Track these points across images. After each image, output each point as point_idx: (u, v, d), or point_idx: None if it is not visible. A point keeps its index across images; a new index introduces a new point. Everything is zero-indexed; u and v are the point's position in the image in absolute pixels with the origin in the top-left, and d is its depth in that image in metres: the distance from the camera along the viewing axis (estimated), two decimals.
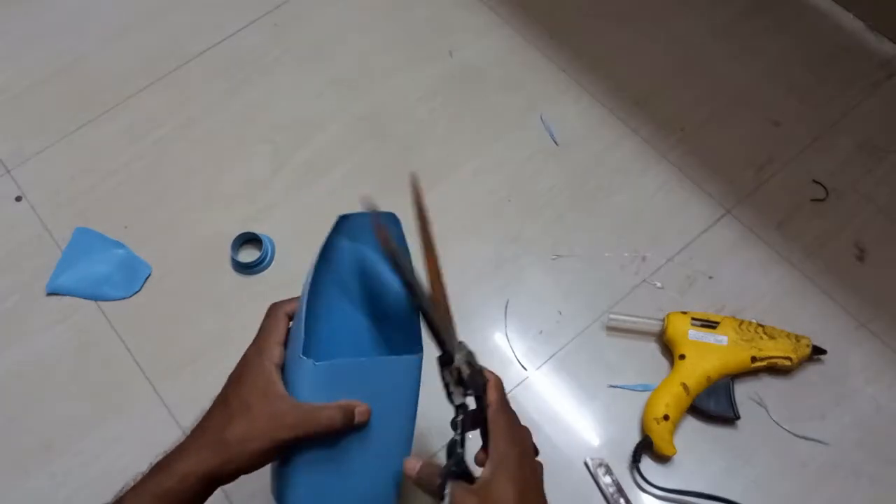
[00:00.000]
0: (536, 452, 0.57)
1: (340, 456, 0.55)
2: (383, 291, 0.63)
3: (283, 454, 0.56)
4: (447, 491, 0.51)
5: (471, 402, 0.56)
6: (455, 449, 0.54)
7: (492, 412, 0.54)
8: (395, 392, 0.57)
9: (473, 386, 0.55)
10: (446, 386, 0.56)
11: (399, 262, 0.58)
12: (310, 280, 0.58)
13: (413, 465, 0.53)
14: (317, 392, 0.54)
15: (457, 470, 0.53)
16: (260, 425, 0.52)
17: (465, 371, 0.55)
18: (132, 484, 0.53)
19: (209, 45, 1.08)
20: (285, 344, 0.58)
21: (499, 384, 0.56)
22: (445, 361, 0.56)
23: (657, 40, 1.06)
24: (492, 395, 0.55)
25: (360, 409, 0.54)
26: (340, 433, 0.54)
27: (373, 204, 0.60)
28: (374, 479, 0.57)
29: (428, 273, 0.61)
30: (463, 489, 0.51)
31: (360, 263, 0.64)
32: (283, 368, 0.56)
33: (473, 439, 0.55)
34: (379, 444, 0.56)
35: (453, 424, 0.55)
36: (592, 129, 1.00)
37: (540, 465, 0.56)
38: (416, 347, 0.59)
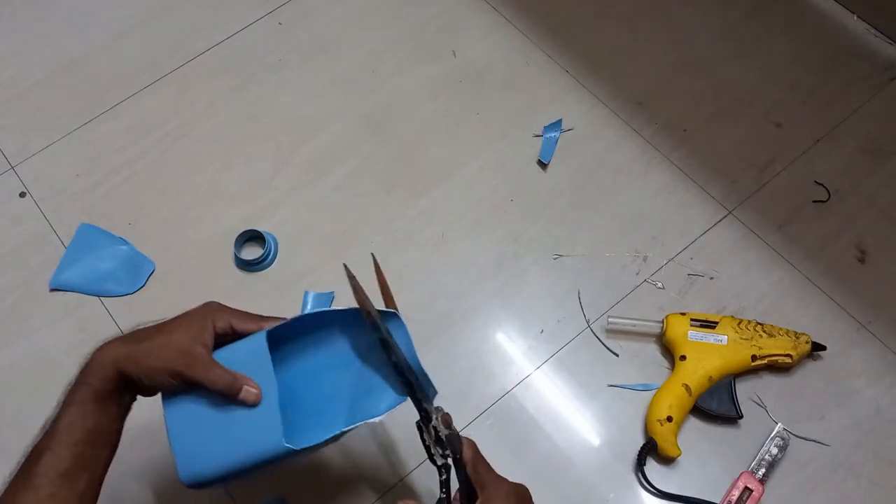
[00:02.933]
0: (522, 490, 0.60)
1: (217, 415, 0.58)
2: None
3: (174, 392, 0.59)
4: None
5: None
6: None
7: (471, 467, 0.58)
8: None
9: (451, 446, 0.58)
10: (427, 448, 0.59)
11: (378, 322, 0.60)
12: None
13: None
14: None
15: None
16: (168, 352, 0.57)
17: (443, 431, 0.58)
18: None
19: (213, 43, 1.08)
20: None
21: (472, 444, 0.60)
22: (425, 421, 0.59)
23: (660, 41, 1.06)
24: (468, 453, 0.59)
25: (250, 390, 0.58)
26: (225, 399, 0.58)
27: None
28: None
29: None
30: None
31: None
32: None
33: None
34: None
35: (442, 484, 0.58)
36: (595, 129, 1.00)
37: (526, 490, 0.60)
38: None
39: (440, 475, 0.58)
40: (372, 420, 0.61)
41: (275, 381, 0.58)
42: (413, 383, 0.59)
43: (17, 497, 0.53)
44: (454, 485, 0.59)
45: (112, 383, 0.57)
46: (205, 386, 0.57)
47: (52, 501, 0.53)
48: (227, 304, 0.89)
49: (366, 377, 0.65)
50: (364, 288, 0.62)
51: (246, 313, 0.63)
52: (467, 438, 0.60)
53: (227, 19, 1.10)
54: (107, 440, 0.57)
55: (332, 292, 0.89)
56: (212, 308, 0.62)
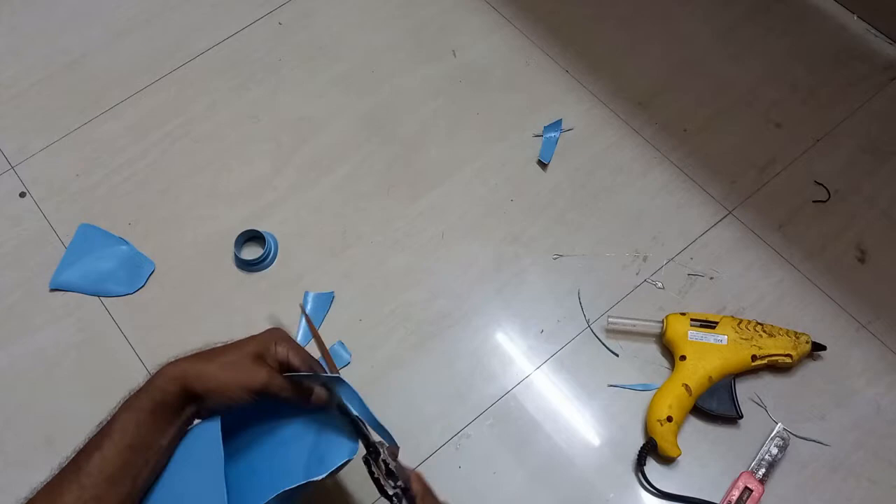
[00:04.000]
0: None
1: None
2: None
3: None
4: None
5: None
6: None
7: (420, 499, 0.59)
8: None
9: (402, 477, 0.60)
10: (376, 480, 0.60)
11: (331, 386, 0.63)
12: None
13: None
14: None
15: None
16: (243, 370, 0.60)
17: (392, 463, 0.60)
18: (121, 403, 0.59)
19: (214, 43, 1.09)
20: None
21: (420, 476, 0.61)
22: (373, 456, 0.61)
23: (660, 41, 1.06)
24: (417, 485, 0.60)
25: (319, 394, 0.63)
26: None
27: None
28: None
29: (331, 368, 0.67)
30: None
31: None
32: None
33: None
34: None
35: None
36: (595, 129, 1.00)
37: None
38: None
39: (393, 503, 0.59)
40: (316, 478, 0.61)
41: (221, 462, 0.58)
42: (358, 423, 0.62)
43: (63, 492, 0.55)
44: None
45: (173, 398, 0.58)
46: (278, 395, 0.60)
47: (95, 502, 0.54)
48: (230, 302, 0.90)
49: (322, 439, 0.66)
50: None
51: (302, 350, 0.64)
52: (414, 472, 0.62)
53: (227, 19, 1.11)
54: (155, 453, 0.57)
55: (332, 292, 0.89)
56: (276, 335, 0.64)
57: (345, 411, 0.63)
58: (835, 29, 1.07)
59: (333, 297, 0.89)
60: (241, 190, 0.97)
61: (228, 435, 0.60)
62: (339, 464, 0.61)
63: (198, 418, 0.61)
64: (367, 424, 0.62)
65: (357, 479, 0.79)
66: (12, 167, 1.00)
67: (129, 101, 1.04)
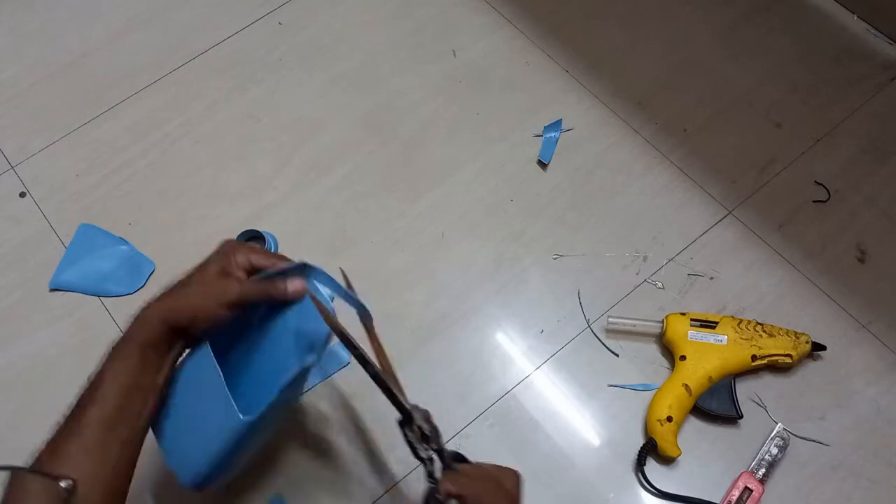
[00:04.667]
0: (514, 479, 0.62)
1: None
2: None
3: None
4: None
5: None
6: (433, 495, 0.58)
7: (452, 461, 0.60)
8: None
9: (436, 440, 0.61)
10: (410, 444, 0.61)
11: (349, 338, 0.62)
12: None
13: None
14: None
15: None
16: (213, 286, 0.61)
17: (426, 427, 0.61)
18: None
19: (214, 43, 1.08)
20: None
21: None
22: (406, 422, 0.61)
23: (660, 41, 1.06)
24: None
25: (293, 284, 0.63)
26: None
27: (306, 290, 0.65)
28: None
29: (376, 352, 0.67)
30: None
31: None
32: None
33: None
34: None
35: (429, 475, 0.60)
36: (595, 129, 1.00)
37: (516, 476, 0.62)
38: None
39: (426, 467, 0.60)
40: (309, 363, 0.63)
41: (220, 376, 0.61)
42: (391, 389, 0.62)
43: (66, 443, 0.57)
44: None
45: (159, 336, 0.59)
46: (254, 298, 0.61)
47: (98, 448, 0.56)
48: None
49: (304, 327, 0.67)
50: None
51: (260, 249, 0.65)
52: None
53: (227, 19, 1.10)
54: (151, 393, 0.60)
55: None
56: (230, 245, 0.65)
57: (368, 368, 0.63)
58: (835, 29, 1.07)
59: (333, 297, 0.89)
60: (241, 190, 0.97)
61: (221, 355, 0.62)
62: (324, 338, 0.64)
63: (186, 349, 0.63)
64: (364, 354, 0.62)
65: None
66: (12, 167, 1.00)
67: (129, 101, 1.04)
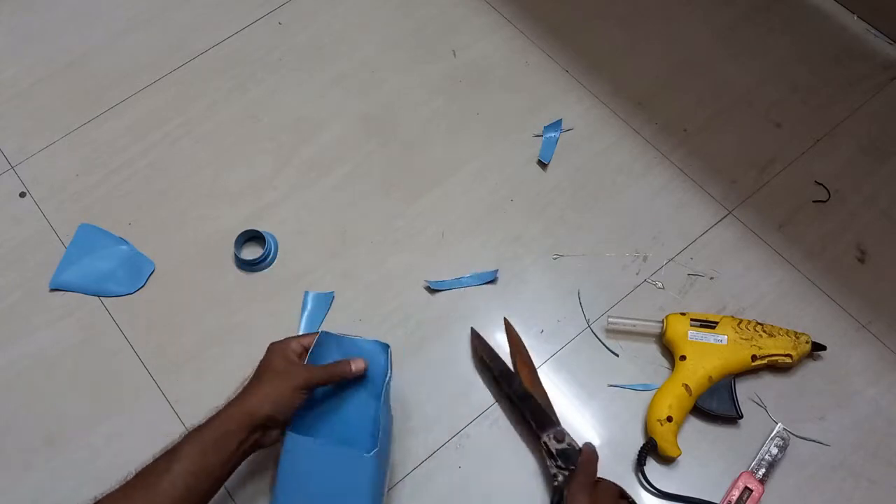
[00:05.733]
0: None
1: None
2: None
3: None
4: None
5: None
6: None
7: (571, 487, 0.67)
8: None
9: (564, 458, 0.68)
10: (544, 462, 0.68)
11: (490, 364, 0.77)
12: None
13: None
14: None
15: None
16: (284, 377, 0.67)
17: (554, 445, 0.69)
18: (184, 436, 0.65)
19: (213, 43, 1.08)
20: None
21: (588, 456, 0.70)
22: (537, 439, 0.72)
23: (660, 41, 1.06)
24: (580, 475, 0.68)
25: (357, 363, 0.71)
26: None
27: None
28: None
29: (523, 378, 0.81)
30: None
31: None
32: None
33: None
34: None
35: (552, 492, 0.68)
36: (595, 129, 1.00)
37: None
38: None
39: (552, 496, 0.68)
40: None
41: (320, 441, 0.69)
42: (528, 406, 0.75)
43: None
44: None
45: (237, 426, 0.64)
46: (322, 381, 0.69)
47: None
48: (230, 302, 0.90)
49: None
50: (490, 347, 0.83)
51: (306, 336, 0.73)
52: (589, 449, 0.71)
53: (227, 19, 1.10)
54: (217, 479, 0.64)
55: (332, 292, 0.89)
56: (278, 345, 0.71)
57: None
58: (835, 29, 1.07)
59: (333, 297, 0.89)
60: (242, 190, 0.97)
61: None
62: (384, 369, 0.72)
63: (261, 444, 0.67)
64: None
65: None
66: (12, 167, 1.00)
67: (129, 101, 1.04)
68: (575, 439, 0.73)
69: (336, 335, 0.73)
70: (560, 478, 0.68)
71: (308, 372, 0.68)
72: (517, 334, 0.85)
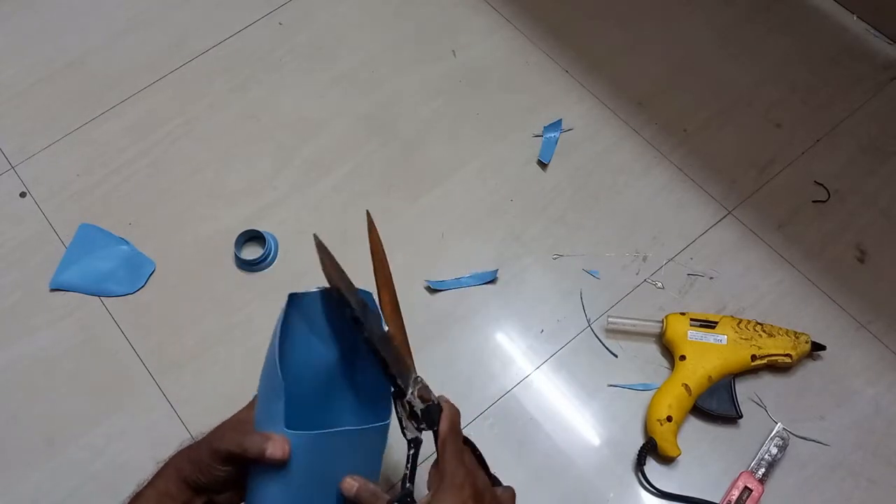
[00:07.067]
0: (495, 486, 0.57)
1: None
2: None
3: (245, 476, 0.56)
4: None
5: (427, 437, 0.56)
6: (404, 483, 0.54)
7: (440, 443, 0.54)
8: (364, 455, 0.58)
9: (427, 419, 0.55)
10: (399, 420, 0.56)
11: (346, 297, 0.58)
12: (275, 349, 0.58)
13: (350, 484, 0.53)
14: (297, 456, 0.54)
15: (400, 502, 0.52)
16: (218, 434, 0.55)
17: (418, 405, 0.55)
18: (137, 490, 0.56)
19: (214, 43, 1.09)
20: None
21: (452, 415, 0.56)
22: (398, 395, 0.56)
23: (660, 41, 1.06)
24: (443, 426, 0.55)
25: (275, 445, 0.52)
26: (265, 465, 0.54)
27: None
28: None
29: (383, 308, 0.63)
30: None
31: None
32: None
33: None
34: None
35: (408, 458, 0.55)
36: (595, 129, 1.00)
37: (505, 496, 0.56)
38: (385, 413, 0.59)
39: (408, 449, 0.55)
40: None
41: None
42: (386, 359, 0.56)
43: None
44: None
45: (173, 487, 0.54)
46: (246, 456, 0.53)
47: None
48: (230, 302, 0.90)
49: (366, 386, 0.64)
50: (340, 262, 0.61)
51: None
52: (450, 407, 0.56)
53: (227, 19, 1.10)
54: None
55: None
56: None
57: (372, 347, 0.57)
58: (835, 29, 1.07)
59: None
60: (242, 190, 0.97)
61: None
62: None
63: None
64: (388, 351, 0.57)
65: None
66: (13, 167, 1.00)
67: (129, 101, 1.04)
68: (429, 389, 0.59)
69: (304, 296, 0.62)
70: (415, 441, 0.55)
71: (238, 436, 0.53)
72: (379, 238, 0.68)
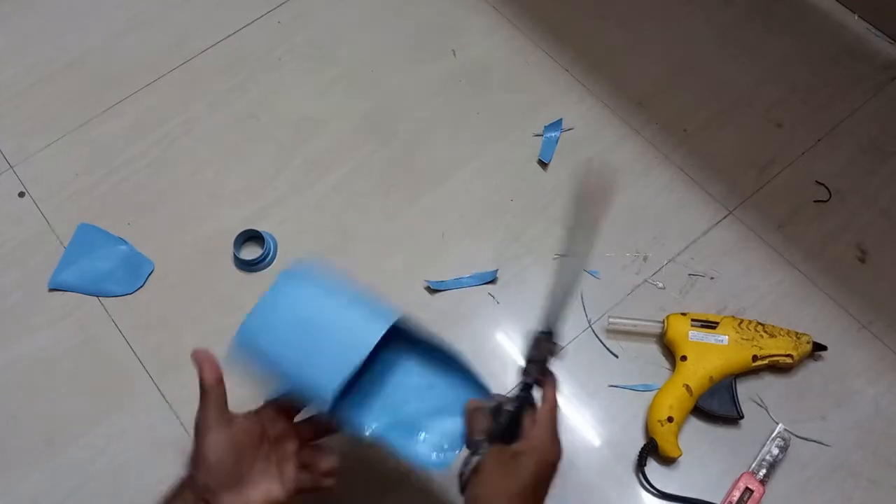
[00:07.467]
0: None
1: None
2: None
3: None
4: (483, 447, 0.58)
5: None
6: (510, 413, 0.59)
7: (548, 408, 0.60)
8: None
9: (542, 372, 0.62)
10: (529, 360, 0.62)
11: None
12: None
13: (473, 403, 0.61)
14: None
15: (500, 429, 0.59)
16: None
17: (549, 359, 0.62)
18: None
19: (213, 43, 1.08)
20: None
21: (555, 385, 0.62)
22: (545, 337, 0.63)
23: (660, 41, 1.06)
24: (551, 395, 0.61)
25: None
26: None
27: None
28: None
29: None
30: (496, 449, 0.58)
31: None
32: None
33: None
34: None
35: (518, 395, 0.61)
36: (595, 129, 1.00)
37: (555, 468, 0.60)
38: None
39: (522, 389, 0.61)
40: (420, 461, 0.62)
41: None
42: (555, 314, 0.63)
43: None
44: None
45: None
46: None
47: None
48: (229, 302, 0.90)
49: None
50: None
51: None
52: (556, 380, 0.62)
53: (226, 19, 1.10)
54: None
55: None
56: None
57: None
58: (835, 28, 1.07)
59: None
60: (241, 190, 0.97)
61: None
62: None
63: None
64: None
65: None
66: (11, 167, 1.00)
67: (128, 101, 1.04)
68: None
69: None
70: (527, 385, 0.62)
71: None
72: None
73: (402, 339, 0.64)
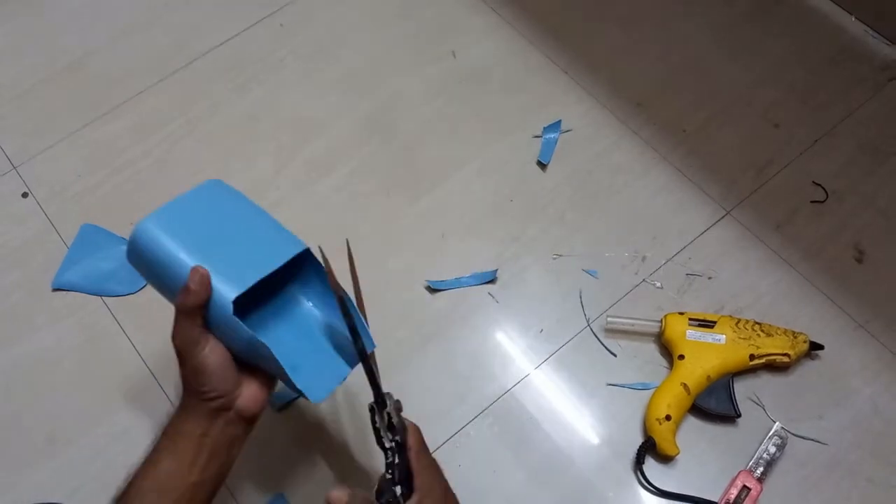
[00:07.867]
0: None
1: None
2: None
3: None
4: None
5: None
6: (389, 486, 0.57)
7: (415, 454, 0.59)
8: None
9: (400, 431, 0.60)
10: (377, 431, 0.60)
11: (349, 309, 0.62)
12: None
13: (339, 496, 0.56)
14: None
15: (396, 497, 0.57)
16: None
17: (395, 417, 0.60)
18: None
19: (215, 44, 1.09)
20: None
21: (417, 431, 0.61)
22: (380, 406, 0.60)
23: (659, 42, 1.07)
24: (413, 440, 0.60)
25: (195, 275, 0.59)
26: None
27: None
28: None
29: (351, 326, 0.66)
30: None
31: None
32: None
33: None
34: None
35: (388, 466, 0.59)
36: (594, 129, 1.00)
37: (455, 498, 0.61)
38: None
39: (387, 458, 0.59)
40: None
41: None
42: (373, 370, 0.61)
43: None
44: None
45: (187, 422, 0.60)
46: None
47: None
48: None
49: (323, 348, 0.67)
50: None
51: None
52: (413, 424, 0.62)
53: (228, 20, 1.11)
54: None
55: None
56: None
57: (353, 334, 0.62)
58: (833, 30, 1.07)
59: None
60: (243, 190, 0.97)
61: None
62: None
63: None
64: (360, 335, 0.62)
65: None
66: (14, 168, 1.00)
67: (131, 102, 1.05)
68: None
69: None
70: (392, 449, 0.60)
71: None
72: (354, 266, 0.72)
73: (304, 274, 0.69)
